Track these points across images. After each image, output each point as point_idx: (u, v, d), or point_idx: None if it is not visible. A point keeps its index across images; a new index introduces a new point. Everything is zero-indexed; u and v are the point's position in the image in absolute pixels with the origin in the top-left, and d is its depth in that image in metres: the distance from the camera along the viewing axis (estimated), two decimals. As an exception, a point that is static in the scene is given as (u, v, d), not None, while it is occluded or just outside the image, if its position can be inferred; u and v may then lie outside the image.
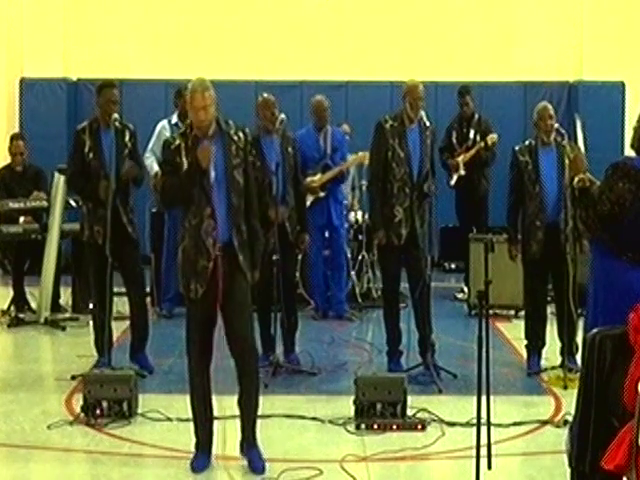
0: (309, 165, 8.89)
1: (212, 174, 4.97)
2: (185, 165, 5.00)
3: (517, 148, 7.23)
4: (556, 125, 7.03)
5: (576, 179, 5.20)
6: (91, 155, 6.89)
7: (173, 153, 5.06)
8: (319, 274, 9.34)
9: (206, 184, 4.98)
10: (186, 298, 5.16)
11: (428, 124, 6.93)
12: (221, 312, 5.07)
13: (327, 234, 9.27)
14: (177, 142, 5.07)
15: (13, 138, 9.75)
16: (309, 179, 8.90)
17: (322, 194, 9.07)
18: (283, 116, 7.26)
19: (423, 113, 6.93)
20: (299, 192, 7.45)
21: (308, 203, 8.91)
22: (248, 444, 5.20)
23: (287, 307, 7.21)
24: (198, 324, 5.09)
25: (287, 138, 7.36)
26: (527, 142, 7.23)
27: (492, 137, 9.99)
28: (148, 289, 9.29)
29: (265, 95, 7.48)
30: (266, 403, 5.93)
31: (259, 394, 5.23)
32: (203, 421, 5.20)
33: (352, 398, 5.92)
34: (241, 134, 5.15)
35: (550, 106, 7.15)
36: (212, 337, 5.11)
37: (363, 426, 5.81)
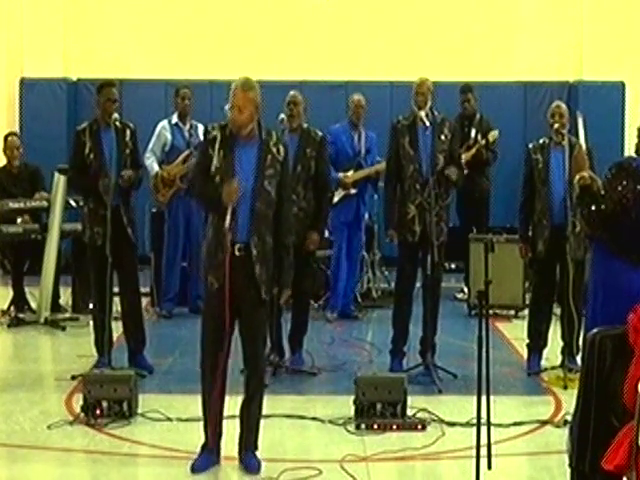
0: (343, 161, 8.90)
1: (236, 180, 4.92)
2: (215, 160, 4.98)
3: (530, 145, 7.24)
4: (556, 125, 7.01)
5: (577, 177, 5.19)
6: (92, 156, 6.89)
7: (208, 143, 5.06)
8: (340, 271, 9.24)
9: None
10: (205, 291, 5.18)
11: (428, 124, 6.91)
12: (237, 317, 5.07)
13: (349, 231, 9.25)
14: (214, 133, 5.04)
15: (8, 135, 9.71)
16: (342, 174, 8.92)
17: (353, 191, 9.09)
18: (283, 115, 7.26)
19: (422, 113, 6.93)
20: (320, 193, 7.27)
21: (337, 198, 8.89)
22: (247, 450, 5.17)
23: (298, 307, 7.23)
24: (212, 319, 5.07)
25: (310, 139, 7.23)
26: (541, 140, 7.22)
27: (493, 134, 10.00)
28: (148, 289, 9.31)
29: (292, 92, 7.47)
30: (266, 403, 5.90)
31: (262, 402, 5.22)
32: (213, 420, 5.15)
33: (352, 398, 5.92)
34: (281, 147, 5.10)
35: (563, 105, 7.14)
36: (229, 337, 5.07)
37: (363, 426, 5.81)
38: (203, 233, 5.30)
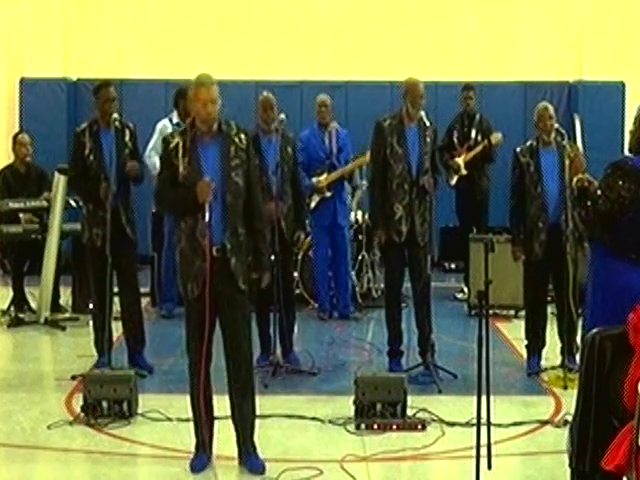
0: (315, 165, 8.91)
1: (207, 178, 4.96)
2: (181, 168, 4.99)
3: (518, 149, 7.23)
4: (556, 125, 7.05)
5: (575, 179, 5.20)
6: (92, 157, 6.89)
7: (170, 153, 5.05)
8: (325, 275, 9.32)
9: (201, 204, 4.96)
10: (184, 299, 5.18)
11: (428, 124, 6.96)
12: (217, 315, 5.08)
13: (332, 235, 9.25)
14: (175, 141, 5.06)
15: (17, 134, 9.75)
16: (315, 179, 8.92)
17: (328, 194, 9.08)
18: (283, 116, 7.27)
19: (423, 113, 6.96)
20: (297, 192, 7.44)
21: (314, 204, 8.95)
22: (247, 452, 5.18)
23: (285, 306, 7.23)
24: (195, 325, 5.06)
25: (287, 138, 7.34)
26: (528, 143, 7.24)
27: (496, 136, 10.03)
28: (149, 289, 9.31)
29: (265, 94, 7.49)
30: (266, 403, 5.94)
31: (254, 401, 5.19)
32: (203, 421, 5.18)
33: (352, 398, 5.92)
34: (242, 136, 5.12)
35: (550, 106, 7.16)
36: (211, 338, 5.09)
37: (363, 426, 5.81)
38: (174, 239, 5.25)
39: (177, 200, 5.11)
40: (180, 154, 5.01)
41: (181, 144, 5.03)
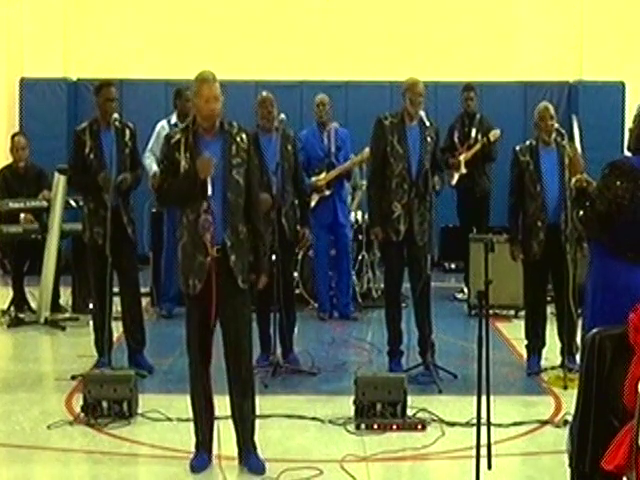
0: (314, 164, 8.91)
1: (206, 153, 4.95)
2: (183, 162, 5.00)
3: (518, 148, 7.24)
4: (556, 125, 7.06)
5: (573, 180, 5.20)
6: (92, 156, 6.90)
7: (172, 148, 5.06)
8: (325, 274, 9.33)
9: (203, 180, 4.96)
10: (185, 296, 5.17)
11: (428, 124, 6.96)
12: (218, 314, 5.07)
13: (332, 234, 9.26)
14: (177, 137, 5.06)
15: (14, 135, 9.76)
16: (314, 178, 8.93)
17: (327, 192, 9.08)
18: (283, 116, 7.26)
19: (423, 113, 6.97)
20: (300, 190, 7.43)
21: (313, 203, 8.95)
22: (247, 451, 5.18)
23: (285, 306, 7.22)
24: (196, 323, 5.07)
25: (287, 136, 7.33)
26: (528, 142, 7.24)
27: (495, 133, 10.05)
28: (148, 289, 9.31)
29: (264, 93, 7.49)
30: (266, 403, 5.94)
31: (254, 401, 5.19)
32: (203, 421, 5.19)
33: (352, 398, 5.92)
34: (244, 135, 5.13)
35: (551, 106, 7.17)
36: (212, 337, 5.09)
37: (363, 426, 5.81)
38: (176, 235, 5.23)
39: (179, 184, 5.04)
40: (182, 150, 5.02)
41: (183, 140, 5.03)
